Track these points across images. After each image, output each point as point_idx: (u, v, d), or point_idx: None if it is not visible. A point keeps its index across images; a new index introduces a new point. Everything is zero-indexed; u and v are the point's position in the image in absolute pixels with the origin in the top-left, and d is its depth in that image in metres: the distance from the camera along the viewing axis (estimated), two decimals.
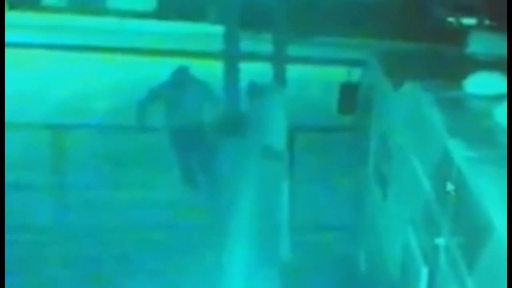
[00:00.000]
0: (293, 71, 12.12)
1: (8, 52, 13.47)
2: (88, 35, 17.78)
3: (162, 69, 12.17)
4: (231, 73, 11.89)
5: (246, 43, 12.49)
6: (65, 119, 12.23)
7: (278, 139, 9.15)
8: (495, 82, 7.27)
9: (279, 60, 12.07)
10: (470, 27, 14.09)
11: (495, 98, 6.84)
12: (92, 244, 9.84)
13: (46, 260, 9.41)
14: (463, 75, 7.46)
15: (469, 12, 14.98)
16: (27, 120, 11.66)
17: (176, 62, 11.86)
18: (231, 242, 8.18)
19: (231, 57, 12.16)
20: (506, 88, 7.17)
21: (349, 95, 10.16)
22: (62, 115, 12.81)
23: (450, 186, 6.11)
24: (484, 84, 7.29)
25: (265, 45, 12.56)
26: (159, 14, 20.30)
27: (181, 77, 10.91)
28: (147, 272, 9.16)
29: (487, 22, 14.08)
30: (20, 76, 14.68)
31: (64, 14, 20.54)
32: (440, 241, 6.17)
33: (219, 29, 12.93)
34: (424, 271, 6.45)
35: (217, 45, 12.61)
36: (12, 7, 19.70)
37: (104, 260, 9.51)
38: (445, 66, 8.56)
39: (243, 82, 11.20)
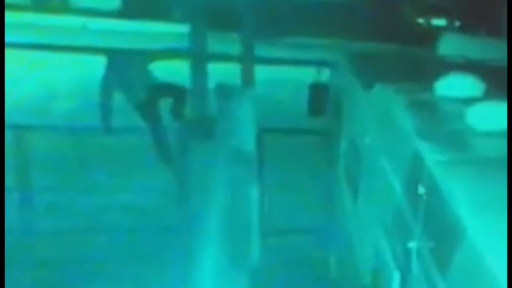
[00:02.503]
0: (261, 72, 12.04)
1: None
2: (50, 34, 17.58)
3: None
4: (198, 74, 11.78)
5: (214, 43, 12.40)
6: (27, 119, 12.07)
7: (247, 141, 9.09)
8: (466, 85, 7.29)
9: (247, 61, 11.98)
10: (440, 28, 14.14)
11: (466, 101, 6.85)
12: (57, 247, 9.74)
13: (9, 263, 9.28)
14: (434, 77, 7.47)
15: (439, 13, 15.00)
16: None
17: None
18: (200, 245, 8.13)
19: (198, 57, 12.05)
20: (477, 91, 7.20)
21: (318, 96, 10.15)
22: (24, 115, 12.64)
23: (421, 189, 6.09)
24: (455, 86, 7.30)
25: (233, 45, 12.46)
26: (124, 13, 20.16)
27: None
28: (114, 275, 9.08)
29: (457, 23, 14.12)
30: None
31: (26, 12, 20.31)
32: (412, 245, 6.15)
33: (185, 28, 12.82)
34: (396, 276, 6.42)
35: (184, 45, 12.52)
36: None
37: (69, 263, 9.42)
38: (415, 68, 8.60)
39: (211, 83, 11.14)
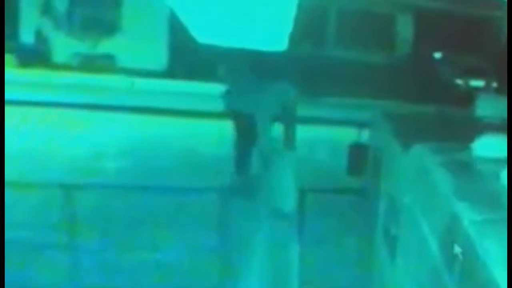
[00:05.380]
0: (302, 131, 12.16)
1: (18, 111, 13.50)
2: (99, 94, 17.80)
3: (172, 128, 12.22)
4: (242, 134, 11.96)
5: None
6: (77, 178, 12.24)
7: (288, 200, 9.20)
8: (503, 145, 7.33)
9: (288, 121, 12.13)
10: (478, 89, 14.06)
11: (503, 161, 6.90)
12: None
13: None
14: (471, 137, 7.54)
15: (477, 74, 14.92)
16: (38, 180, 11.68)
17: (187, 122, 11.98)
18: None
19: (241, 117, 12.24)
20: None
21: (358, 156, 10.26)
22: (74, 174, 12.81)
23: (457, 249, 6.14)
24: (492, 147, 7.36)
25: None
26: (170, 73, 20.37)
27: None
28: None
29: (495, 84, 14.04)
30: (31, 134, 14.71)
31: (75, 72, 20.58)
32: None
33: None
34: None
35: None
36: (22, 64, 19.77)
37: None
38: (453, 128, 8.64)
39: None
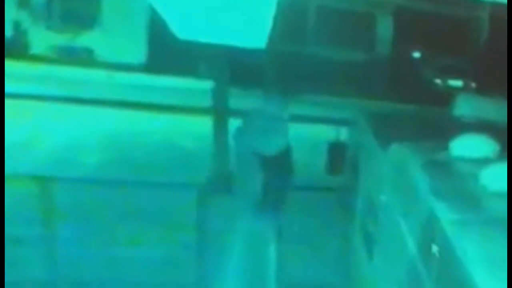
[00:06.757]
0: None
1: None
2: (77, 87, 17.72)
3: (150, 123, 12.16)
4: (220, 129, 11.95)
5: (236, 100, 12.54)
6: (54, 171, 12.19)
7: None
8: (481, 145, 7.39)
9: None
10: (456, 89, 14.15)
11: (481, 161, 6.94)
12: None
13: None
14: (450, 137, 7.58)
15: (456, 74, 15.00)
16: (15, 172, 11.62)
17: (166, 116, 11.95)
18: None
19: (220, 113, 12.23)
20: (492, 151, 7.30)
21: (337, 155, 10.28)
22: (50, 167, 12.75)
23: (434, 248, 6.17)
24: (470, 147, 7.41)
25: (254, 101, 12.59)
26: (149, 67, 20.33)
27: None
28: None
29: (473, 84, 14.13)
30: (7, 127, 14.62)
31: (53, 64, 20.47)
32: None
33: (209, 84, 13.02)
34: None
35: (207, 101, 12.69)
36: None
37: None
38: (432, 127, 8.69)
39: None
